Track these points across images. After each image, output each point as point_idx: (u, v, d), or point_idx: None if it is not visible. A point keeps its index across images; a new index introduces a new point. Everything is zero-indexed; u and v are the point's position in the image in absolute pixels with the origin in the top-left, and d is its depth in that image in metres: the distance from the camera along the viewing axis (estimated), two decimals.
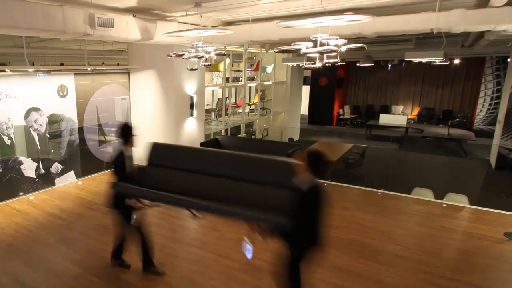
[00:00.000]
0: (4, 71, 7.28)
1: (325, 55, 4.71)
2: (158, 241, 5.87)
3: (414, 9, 6.16)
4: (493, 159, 12.63)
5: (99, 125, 9.36)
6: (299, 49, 4.77)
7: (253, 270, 4.95)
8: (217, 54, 6.57)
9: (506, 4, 5.14)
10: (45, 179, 8.26)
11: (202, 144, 9.51)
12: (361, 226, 6.40)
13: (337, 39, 4.86)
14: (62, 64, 9.13)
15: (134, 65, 9.56)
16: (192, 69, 6.95)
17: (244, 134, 12.75)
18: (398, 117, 17.94)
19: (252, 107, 14.35)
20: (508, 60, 13.43)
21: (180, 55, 6.46)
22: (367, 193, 8.17)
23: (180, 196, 4.30)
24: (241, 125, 12.56)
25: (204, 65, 6.42)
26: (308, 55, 4.92)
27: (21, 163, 7.75)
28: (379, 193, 7.46)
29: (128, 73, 9.82)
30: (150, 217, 6.74)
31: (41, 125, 8.05)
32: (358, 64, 14.60)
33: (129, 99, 10.01)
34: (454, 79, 18.97)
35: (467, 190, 8.50)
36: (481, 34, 9.00)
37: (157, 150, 5.16)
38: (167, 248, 5.64)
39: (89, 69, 8.63)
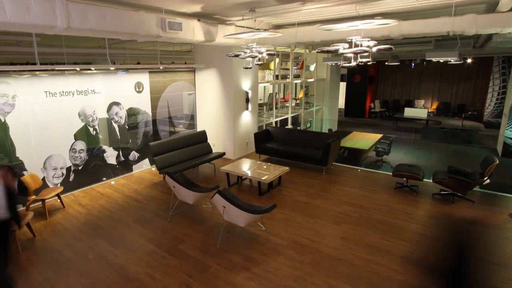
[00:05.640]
0: (90, 69, 6.60)
1: (359, 55, 4.51)
2: (220, 220, 5.24)
3: (434, 14, 5.87)
4: (500, 148, 11.55)
5: (170, 117, 8.56)
6: (337, 50, 4.55)
7: (299, 247, 4.57)
8: (268, 54, 5.86)
9: (511, 10, 4.89)
10: (124, 166, 7.58)
11: (255, 134, 8.51)
12: (388, 208, 5.80)
13: (369, 40, 4.61)
14: (138, 63, 8.35)
15: (199, 64, 8.76)
16: (247, 68, 6.37)
17: (291, 126, 11.66)
18: (420, 110, 16.35)
19: (298, 101, 13.24)
20: None
21: (237, 55, 5.91)
22: (394, 178, 7.08)
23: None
24: (288, 118, 11.42)
25: (257, 64, 5.79)
26: (344, 55, 4.69)
27: (104, 151, 7.07)
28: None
29: (194, 71, 8.98)
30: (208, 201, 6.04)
31: (121, 117, 7.31)
32: (386, 63, 13.68)
33: (194, 94, 9.16)
34: (467, 76, 17.23)
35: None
36: (489, 36, 8.19)
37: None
38: (227, 227, 5.13)
39: (161, 67, 7.83)
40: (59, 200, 6.00)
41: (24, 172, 5.77)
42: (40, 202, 5.67)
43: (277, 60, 10.72)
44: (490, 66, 15.82)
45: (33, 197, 5.51)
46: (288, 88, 12.51)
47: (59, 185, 6.31)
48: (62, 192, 6.14)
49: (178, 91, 8.64)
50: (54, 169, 6.24)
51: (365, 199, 6.16)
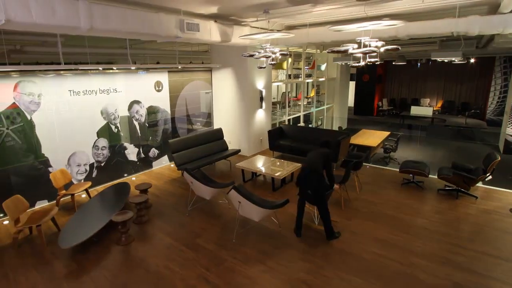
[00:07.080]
0: (112, 69, 6.40)
1: (367, 55, 4.38)
2: (235, 215, 5.12)
3: (439, 15, 5.73)
4: (501, 145, 11.17)
5: (187, 115, 8.32)
6: (347, 50, 4.43)
7: (310, 241, 4.47)
8: (281, 54, 5.59)
9: None
10: (144, 162, 7.38)
11: (269, 132, 8.24)
12: (396, 203, 5.61)
13: (377, 41, 4.46)
14: (158, 63, 8.14)
15: (215, 63, 8.47)
16: (261, 67, 6.12)
17: (303, 123, 11.34)
18: (426, 108, 15.84)
19: (309, 100, 12.89)
20: None
21: (251, 55, 5.66)
22: (401, 174, 6.83)
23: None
24: (301, 116, 11.09)
25: (271, 64, 5.54)
26: (354, 55, 4.55)
27: (125, 148, 6.88)
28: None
29: (211, 70, 8.69)
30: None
31: (141, 115, 7.10)
32: (393, 63, 13.36)
33: (211, 93, 8.88)
34: (470, 75, 16.58)
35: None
36: (492, 37, 7.92)
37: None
38: (242, 222, 4.95)
39: (179, 67, 7.58)
40: (84, 195, 5.85)
41: (50, 169, 5.64)
42: (70, 197, 5.53)
43: (289, 60, 10.42)
44: (492, 66, 15.28)
45: (63, 191, 5.39)
46: (300, 87, 12.24)
47: (82, 181, 6.17)
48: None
49: (195, 90, 8.39)
50: (78, 165, 6.09)
51: (373, 194, 5.97)
